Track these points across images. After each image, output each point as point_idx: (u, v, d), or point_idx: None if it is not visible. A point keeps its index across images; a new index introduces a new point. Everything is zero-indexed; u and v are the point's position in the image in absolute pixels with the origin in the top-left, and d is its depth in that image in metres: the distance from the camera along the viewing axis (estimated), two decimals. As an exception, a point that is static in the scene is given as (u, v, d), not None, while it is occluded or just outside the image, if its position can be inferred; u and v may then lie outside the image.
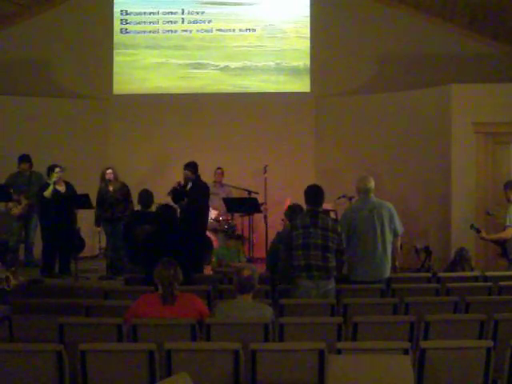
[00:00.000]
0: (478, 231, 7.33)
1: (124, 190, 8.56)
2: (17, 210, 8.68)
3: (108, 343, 4.24)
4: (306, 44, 11.06)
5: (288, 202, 7.62)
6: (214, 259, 8.11)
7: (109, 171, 8.57)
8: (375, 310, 5.18)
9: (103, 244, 9.24)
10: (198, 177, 8.66)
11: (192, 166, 8.62)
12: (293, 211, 6.40)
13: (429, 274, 6.78)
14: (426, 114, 9.60)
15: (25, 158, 8.81)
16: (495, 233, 7.65)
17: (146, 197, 7.47)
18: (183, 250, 5.91)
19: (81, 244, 8.81)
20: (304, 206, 6.00)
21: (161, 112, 10.94)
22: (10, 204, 8.72)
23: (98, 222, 8.73)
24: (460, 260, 7.21)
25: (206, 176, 9.98)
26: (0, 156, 9.86)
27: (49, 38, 10.95)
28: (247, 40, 11.14)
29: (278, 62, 11.12)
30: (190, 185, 8.63)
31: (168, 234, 6.10)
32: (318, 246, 5.51)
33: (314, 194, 5.73)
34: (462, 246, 7.55)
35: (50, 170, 8.40)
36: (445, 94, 9.25)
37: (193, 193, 8.56)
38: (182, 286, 4.79)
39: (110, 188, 8.52)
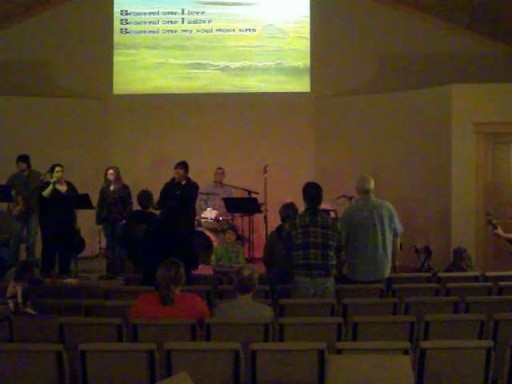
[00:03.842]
0: (495, 227, 7.28)
1: (123, 192, 8.59)
2: (15, 210, 8.68)
3: (108, 343, 4.24)
4: (305, 44, 11.06)
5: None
6: (213, 258, 8.12)
7: (110, 171, 8.63)
8: (375, 309, 5.18)
9: (103, 244, 9.25)
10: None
11: (185, 165, 8.68)
12: (286, 209, 6.40)
13: (429, 274, 6.78)
14: (426, 114, 9.60)
15: (22, 158, 8.81)
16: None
17: (145, 197, 7.49)
18: (181, 248, 5.92)
19: (81, 244, 8.82)
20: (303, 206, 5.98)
21: (161, 112, 10.94)
22: (10, 205, 8.73)
23: (97, 221, 8.77)
24: (459, 260, 7.21)
25: (206, 176, 10.00)
26: (0, 156, 9.87)
27: (49, 38, 10.94)
28: (247, 40, 11.14)
29: (277, 61, 11.12)
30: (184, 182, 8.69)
31: (169, 233, 6.12)
32: (317, 245, 5.49)
33: (313, 192, 5.68)
34: (459, 246, 7.55)
35: (51, 169, 8.42)
36: (445, 94, 9.25)
37: (189, 189, 8.59)
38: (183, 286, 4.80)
39: (111, 188, 8.59)
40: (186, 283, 5.34)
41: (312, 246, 5.49)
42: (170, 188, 8.64)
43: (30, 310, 5.25)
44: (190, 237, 6.45)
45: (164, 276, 4.61)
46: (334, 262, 5.56)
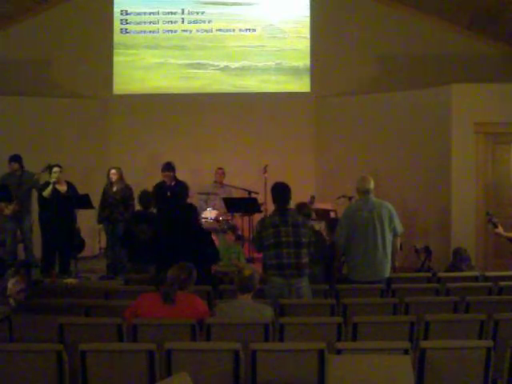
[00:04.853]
0: (496, 226, 7.26)
1: (126, 193, 8.58)
2: (8, 210, 8.65)
3: (108, 343, 4.24)
4: (305, 44, 11.06)
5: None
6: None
7: (112, 171, 8.64)
8: (375, 309, 5.18)
9: (103, 244, 9.25)
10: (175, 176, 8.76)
11: (173, 167, 8.68)
12: (300, 208, 6.38)
13: (429, 274, 6.78)
14: (426, 114, 9.60)
15: (14, 158, 8.79)
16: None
17: (146, 197, 7.50)
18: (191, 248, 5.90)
19: (81, 244, 8.82)
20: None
21: (161, 112, 10.94)
22: (2, 204, 8.69)
23: (98, 220, 8.78)
24: (459, 261, 7.20)
25: (206, 176, 10.00)
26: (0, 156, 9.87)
27: (49, 38, 10.94)
28: (247, 40, 11.14)
29: (277, 61, 11.12)
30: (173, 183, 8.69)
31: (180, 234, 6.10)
32: (290, 244, 5.50)
33: (281, 191, 5.72)
34: (459, 247, 7.54)
35: (46, 169, 8.41)
36: (445, 94, 9.25)
37: (179, 190, 8.59)
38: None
39: (113, 189, 8.59)
40: (203, 283, 5.37)
41: (285, 245, 5.49)
42: (161, 191, 8.61)
43: (21, 296, 5.29)
44: (203, 234, 6.39)
45: (174, 276, 4.66)
46: (307, 260, 5.56)
